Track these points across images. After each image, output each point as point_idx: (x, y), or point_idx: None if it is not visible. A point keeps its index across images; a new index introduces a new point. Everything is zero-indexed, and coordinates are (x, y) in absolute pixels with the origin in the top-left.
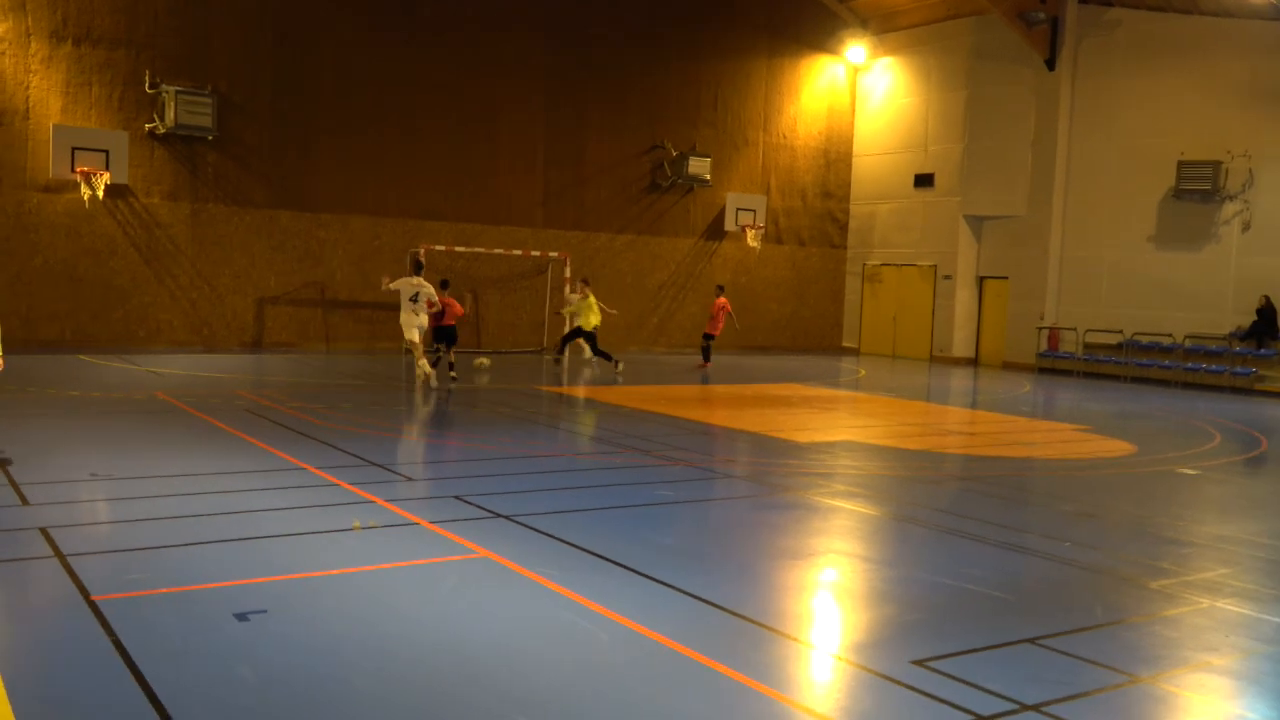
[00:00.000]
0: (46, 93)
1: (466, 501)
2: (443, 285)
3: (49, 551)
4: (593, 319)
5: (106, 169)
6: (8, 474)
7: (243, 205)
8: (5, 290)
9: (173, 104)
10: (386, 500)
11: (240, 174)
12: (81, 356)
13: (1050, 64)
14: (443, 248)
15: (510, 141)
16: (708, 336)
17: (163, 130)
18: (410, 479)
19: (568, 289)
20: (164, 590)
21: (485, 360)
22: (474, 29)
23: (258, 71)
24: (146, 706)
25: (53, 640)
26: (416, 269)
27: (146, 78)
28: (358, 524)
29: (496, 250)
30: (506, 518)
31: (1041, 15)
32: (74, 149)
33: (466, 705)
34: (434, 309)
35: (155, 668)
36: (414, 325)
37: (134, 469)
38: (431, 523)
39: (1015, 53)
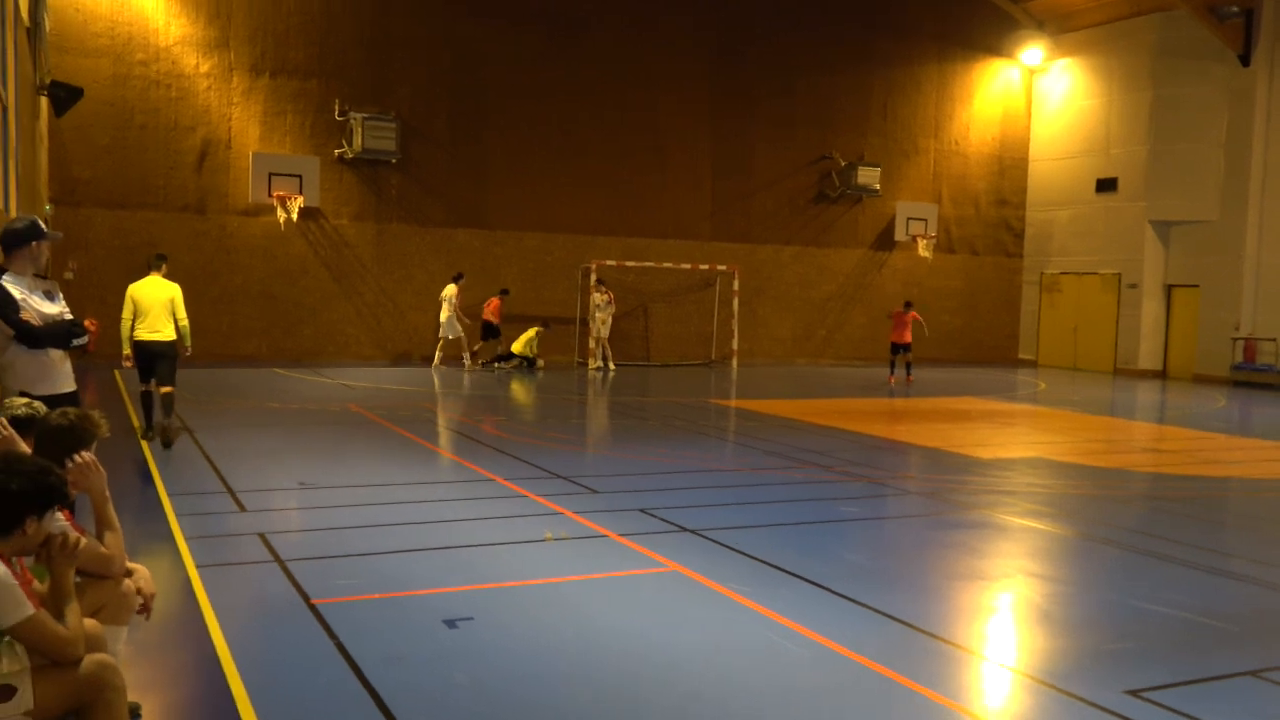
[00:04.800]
0: (246, 123)
1: (651, 515)
2: (501, 293)
3: (269, 556)
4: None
5: (300, 193)
6: (225, 482)
7: (423, 224)
8: (209, 309)
9: (360, 130)
10: (574, 512)
11: (420, 195)
12: (277, 370)
13: (1245, 59)
14: (613, 262)
15: (677, 155)
16: (906, 348)
17: (350, 155)
18: (595, 491)
19: (594, 296)
20: (375, 595)
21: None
22: (640, 43)
23: (435, 97)
24: (375, 711)
25: (282, 643)
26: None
27: (336, 106)
28: (550, 535)
29: (665, 264)
30: (692, 531)
31: (1235, 8)
32: (270, 175)
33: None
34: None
35: (377, 670)
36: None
37: (337, 478)
38: (620, 535)
39: (1205, 49)
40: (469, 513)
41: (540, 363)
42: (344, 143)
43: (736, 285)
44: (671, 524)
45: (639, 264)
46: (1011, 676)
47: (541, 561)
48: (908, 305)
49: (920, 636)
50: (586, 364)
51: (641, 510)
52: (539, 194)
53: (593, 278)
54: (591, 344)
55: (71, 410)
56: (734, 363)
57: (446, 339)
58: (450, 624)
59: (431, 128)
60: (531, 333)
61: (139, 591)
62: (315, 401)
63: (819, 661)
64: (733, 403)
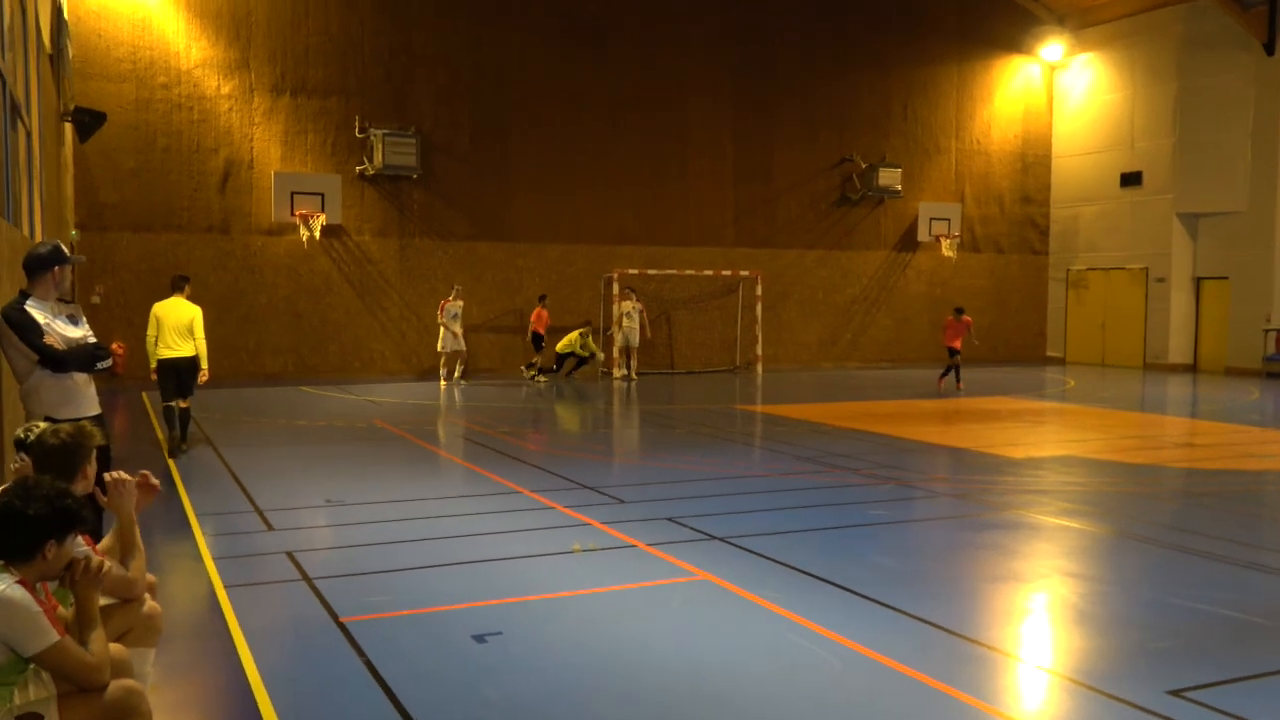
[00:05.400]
0: (268, 143)
1: (680, 523)
2: (540, 299)
3: (297, 575)
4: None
5: (322, 211)
6: (252, 500)
7: (445, 239)
8: (236, 327)
9: (380, 146)
10: (602, 523)
11: (443, 209)
12: (303, 388)
13: (1269, 48)
14: (635, 271)
15: (699, 161)
16: (954, 353)
17: (372, 172)
18: (622, 501)
19: (619, 304)
20: (404, 612)
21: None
22: (660, 51)
23: (456, 111)
24: None
25: (312, 661)
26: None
27: (356, 123)
28: (578, 546)
29: (688, 271)
30: (721, 539)
31: None
32: (293, 194)
33: None
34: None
35: (406, 688)
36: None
37: (364, 494)
38: (649, 545)
39: (1230, 39)
40: (496, 526)
41: (600, 355)
42: (365, 160)
43: (760, 290)
44: (700, 532)
45: (661, 272)
46: (1049, 678)
47: (570, 574)
48: (959, 311)
49: (954, 640)
50: (611, 373)
51: (670, 519)
52: (561, 204)
53: (615, 287)
54: (615, 353)
55: (63, 427)
56: (759, 368)
57: (447, 351)
58: (479, 639)
59: (452, 142)
60: (575, 334)
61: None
62: (342, 418)
63: (852, 668)
64: (759, 408)
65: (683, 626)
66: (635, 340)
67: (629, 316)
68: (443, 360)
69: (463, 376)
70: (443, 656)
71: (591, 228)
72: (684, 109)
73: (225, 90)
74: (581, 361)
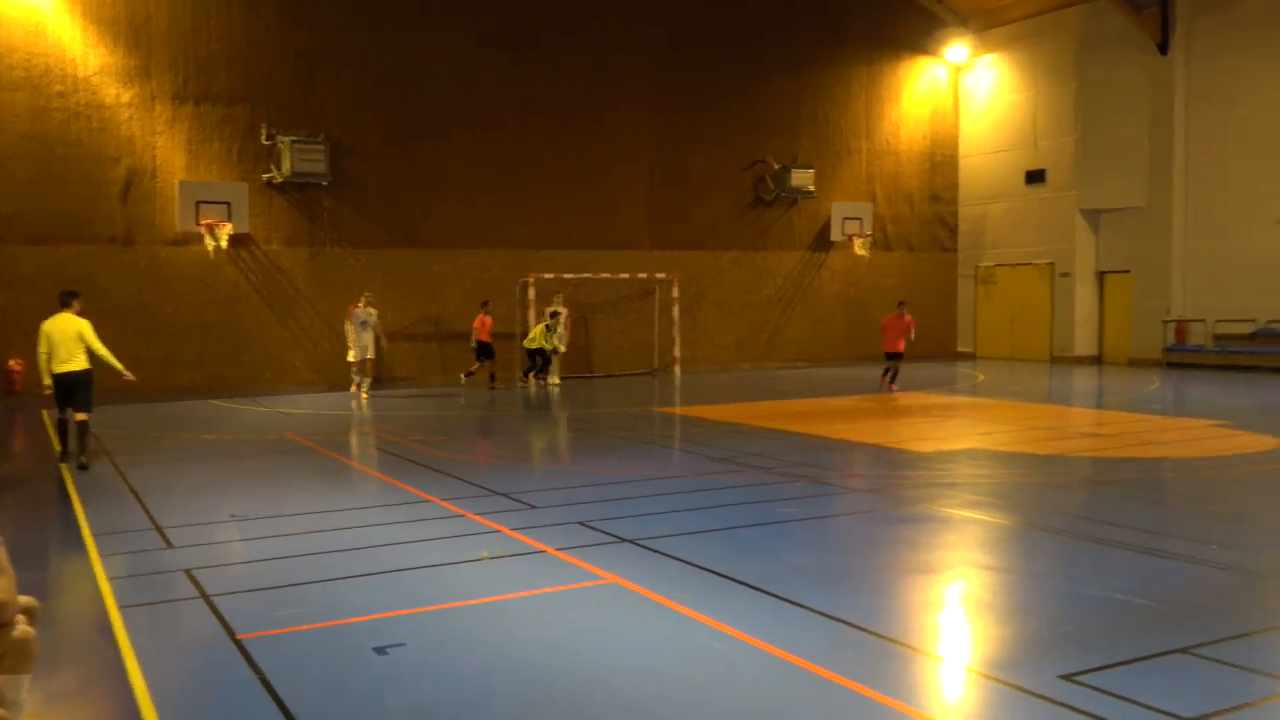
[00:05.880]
0: (171, 151)
1: (590, 527)
2: (483, 305)
3: (194, 593)
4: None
5: (229, 220)
6: (152, 517)
7: (358, 246)
8: (142, 340)
9: (288, 153)
10: (512, 529)
11: (354, 216)
12: (213, 401)
13: (1163, 48)
14: (551, 275)
15: (616, 165)
16: (899, 356)
17: (279, 179)
18: (534, 507)
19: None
20: (306, 627)
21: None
22: (578, 56)
23: (367, 116)
24: None
25: (203, 681)
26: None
27: (263, 130)
28: (486, 554)
29: (604, 275)
30: (632, 542)
31: None
32: (198, 203)
33: None
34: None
35: (304, 705)
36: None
37: (270, 508)
38: (558, 550)
39: (1126, 39)
40: (404, 536)
41: (562, 348)
42: (272, 167)
43: (676, 293)
44: (611, 535)
45: (578, 276)
46: (948, 668)
47: (477, 581)
48: (901, 305)
49: (861, 635)
50: (528, 380)
51: (580, 523)
52: (477, 209)
53: (531, 291)
54: (525, 358)
55: None
56: (677, 370)
57: (357, 361)
58: (381, 651)
59: (363, 147)
60: (540, 329)
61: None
62: (251, 431)
63: (758, 667)
64: (676, 410)
65: (589, 630)
66: (563, 346)
67: (560, 323)
68: (354, 370)
69: (370, 386)
70: (343, 670)
71: (508, 233)
72: (601, 114)
73: (125, 98)
74: (544, 357)
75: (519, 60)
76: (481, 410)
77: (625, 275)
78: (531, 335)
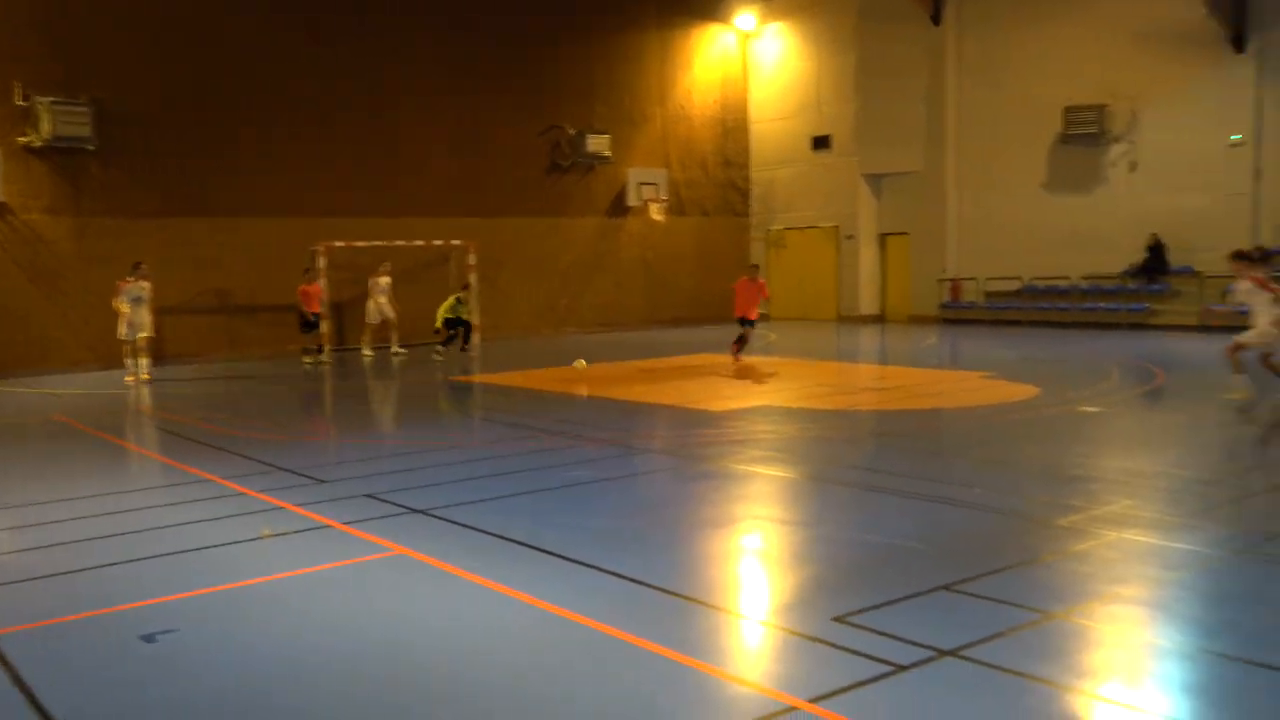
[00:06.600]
0: None
1: (380, 499)
2: (305, 273)
3: None
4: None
5: None
6: None
7: (132, 216)
8: None
9: (48, 116)
10: (296, 505)
11: (128, 184)
12: None
13: (936, 19)
14: (341, 244)
15: (411, 131)
16: (753, 323)
17: (39, 143)
18: (321, 481)
19: (376, 279)
20: (64, 619)
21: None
22: (370, 20)
23: (141, 77)
24: None
25: None
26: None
27: (16, 91)
28: (267, 531)
29: (398, 242)
30: (423, 512)
31: None
32: None
33: (403, 712)
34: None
35: (60, 700)
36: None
37: (35, 494)
38: (344, 524)
39: (901, 10)
40: (181, 517)
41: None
42: (29, 130)
43: (473, 259)
44: (401, 506)
45: (372, 244)
46: (731, 619)
47: (256, 561)
48: (754, 268)
49: (648, 591)
50: (322, 352)
51: (369, 495)
52: (265, 176)
53: (321, 260)
54: (366, 332)
55: None
56: (476, 338)
57: (131, 339)
58: (149, 639)
59: (138, 111)
60: (451, 300)
61: None
62: (15, 414)
63: (549, 631)
64: (475, 378)
65: (376, 605)
66: (391, 313)
67: (384, 291)
68: (127, 348)
69: (149, 362)
70: (106, 662)
71: (298, 200)
72: (395, 79)
73: None
74: (450, 325)
75: (313, 24)
76: (270, 385)
77: (420, 243)
78: (445, 307)
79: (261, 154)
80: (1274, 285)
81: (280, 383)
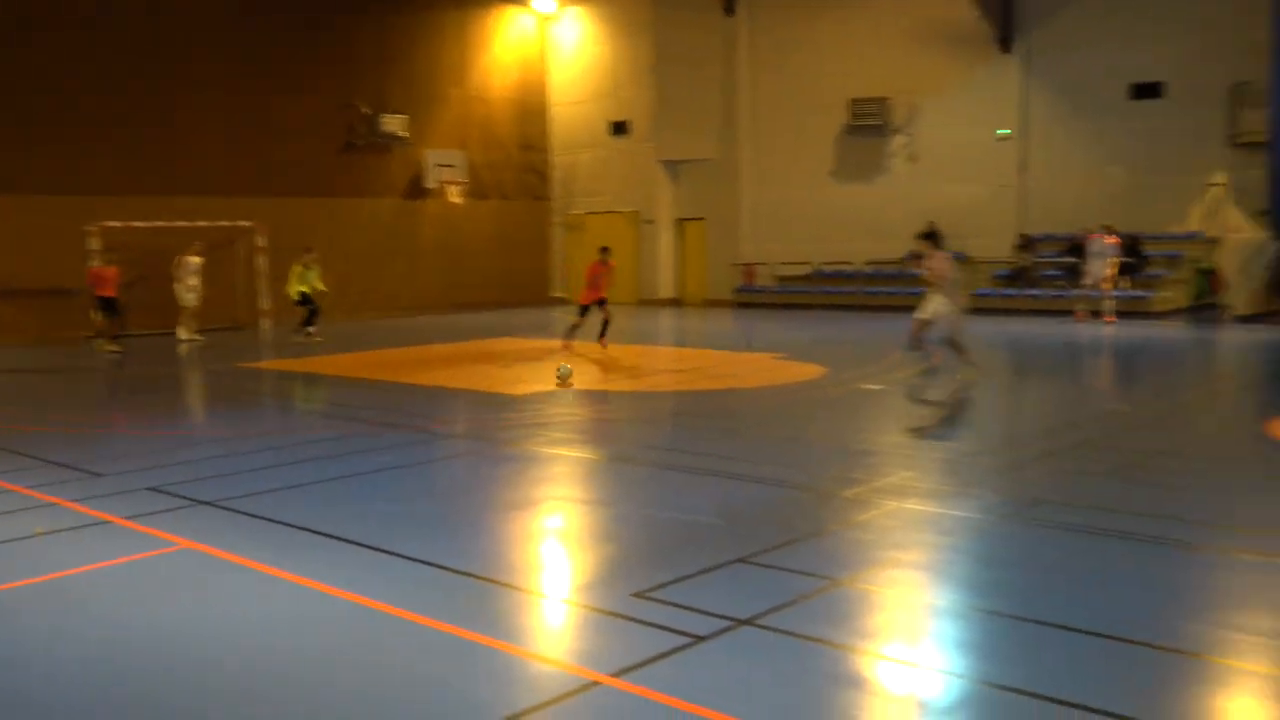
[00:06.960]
0: None
1: (164, 492)
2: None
3: None
4: (298, 286)
5: None
6: None
7: None
8: None
9: None
10: (71, 500)
11: None
12: None
13: (729, 9)
14: (118, 224)
15: (190, 107)
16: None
17: None
18: (100, 475)
19: (185, 260)
20: None
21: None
22: None
23: None
24: None
25: None
26: None
27: None
28: (40, 530)
29: (179, 223)
30: (210, 504)
31: None
32: None
33: (188, 713)
34: None
35: None
36: None
37: None
38: (125, 518)
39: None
40: None
41: (321, 286)
42: None
43: (262, 242)
44: (187, 499)
45: (150, 224)
46: (532, 599)
47: (24, 561)
48: (605, 251)
49: (448, 575)
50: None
51: (152, 489)
52: (25, 151)
53: (95, 242)
54: (184, 315)
55: None
56: (265, 324)
57: None
58: None
59: None
60: (298, 269)
61: None
62: None
63: (346, 620)
64: (264, 364)
65: (159, 602)
66: (195, 300)
67: (192, 274)
68: None
69: None
70: None
71: (64, 178)
72: (173, 50)
73: None
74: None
75: None
76: (37, 374)
77: (204, 223)
78: (294, 280)
79: (20, 131)
80: (934, 265)
81: (47, 373)
